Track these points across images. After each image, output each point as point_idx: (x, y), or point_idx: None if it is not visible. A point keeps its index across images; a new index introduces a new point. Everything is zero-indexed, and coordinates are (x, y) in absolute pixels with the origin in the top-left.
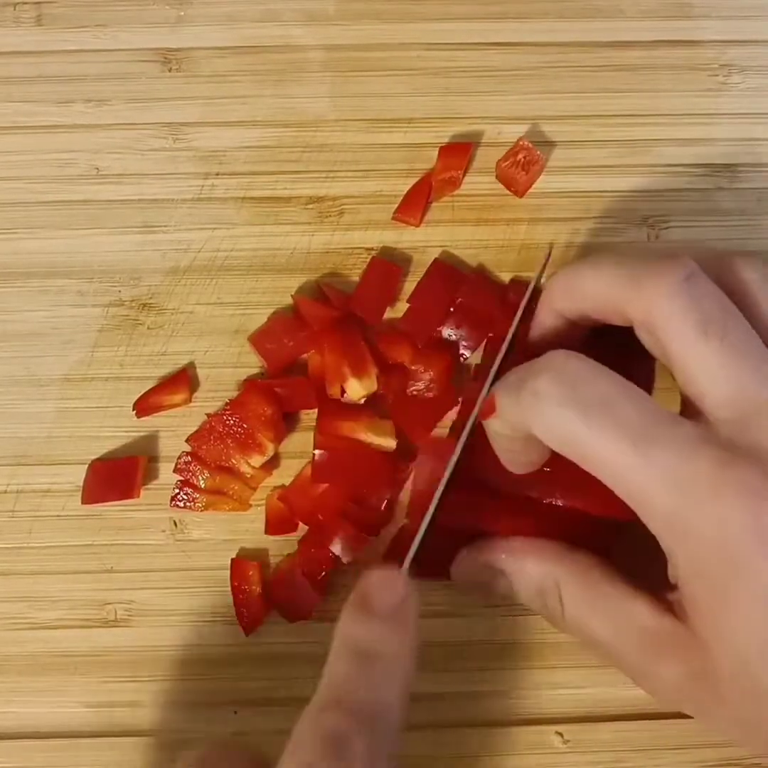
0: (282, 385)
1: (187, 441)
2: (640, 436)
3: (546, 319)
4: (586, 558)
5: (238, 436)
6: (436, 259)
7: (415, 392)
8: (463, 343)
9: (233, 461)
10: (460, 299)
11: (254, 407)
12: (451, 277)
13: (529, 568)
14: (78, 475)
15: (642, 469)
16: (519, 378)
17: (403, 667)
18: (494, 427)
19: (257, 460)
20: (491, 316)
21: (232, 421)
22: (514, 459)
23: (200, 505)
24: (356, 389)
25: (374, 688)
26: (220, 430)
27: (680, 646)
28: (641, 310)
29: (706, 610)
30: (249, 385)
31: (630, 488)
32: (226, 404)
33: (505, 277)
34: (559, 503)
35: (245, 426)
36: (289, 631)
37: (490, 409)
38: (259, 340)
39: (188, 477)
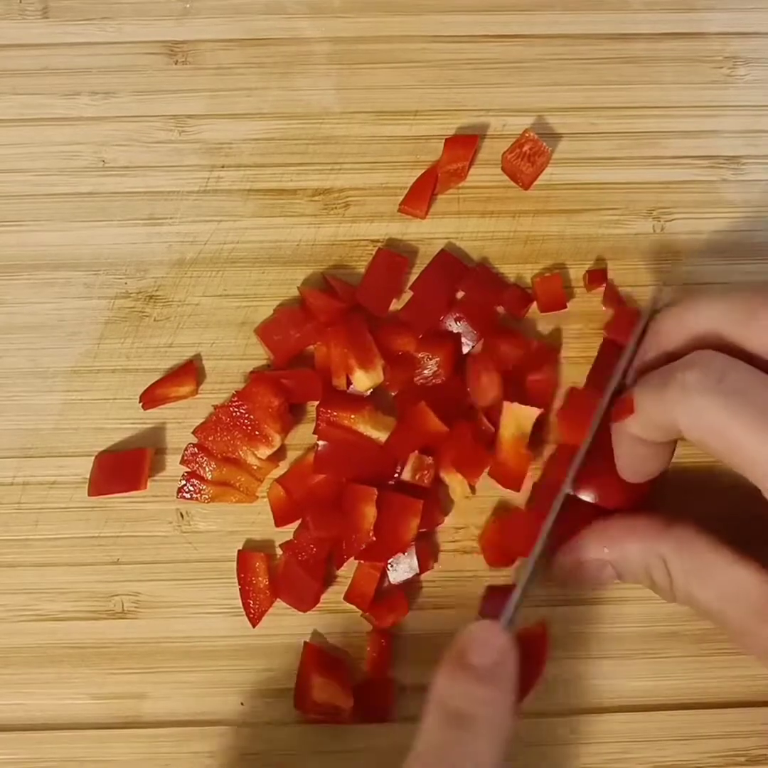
0: (289, 377)
1: (193, 433)
2: None
3: (654, 358)
4: (686, 530)
5: (245, 427)
6: (442, 250)
7: (421, 381)
8: (464, 335)
9: (240, 453)
10: (462, 292)
11: (261, 399)
12: (454, 269)
13: (632, 551)
14: (84, 467)
15: None
16: (662, 376)
17: (501, 728)
18: (630, 428)
19: (264, 451)
20: (492, 311)
21: (239, 413)
22: (635, 466)
23: (207, 496)
24: (363, 381)
25: (472, 754)
26: (227, 421)
27: None
28: (761, 341)
29: None
30: (256, 376)
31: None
32: (233, 396)
33: (511, 269)
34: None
35: (252, 417)
36: (295, 623)
37: (627, 409)
38: (265, 331)
39: (195, 468)
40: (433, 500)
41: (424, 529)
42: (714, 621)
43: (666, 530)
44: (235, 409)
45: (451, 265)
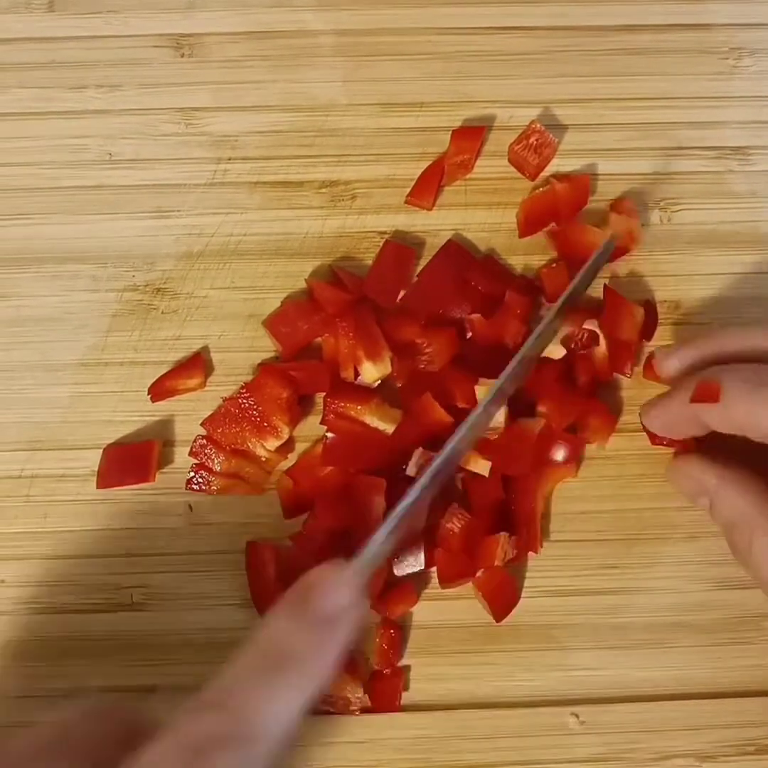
0: (297, 369)
1: (202, 424)
2: None
3: (740, 350)
4: None
5: (253, 419)
6: (449, 240)
7: (424, 366)
8: (468, 324)
9: (249, 444)
10: (469, 281)
11: (270, 390)
12: (461, 258)
13: (732, 499)
14: (93, 459)
15: None
16: (758, 374)
17: (317, 682)
18: (704, 414)
19: (272, 443)
20: (498, 300)
21: (247, 404)
22: (674, 431)
23: (215, 488)
24: (370, 372)
25: (274, 700)
26: (236, 413)
27: None
28: None
29: None
30: (264, 368)
31: None
32: (242, 387)
33: (518, 260)
34: None
35: (260, 409)
36: None
37: (712, 396)
38: (273, 323)
39: (203, 460)
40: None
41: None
42: None
43: (765, 504)
44: (244, 401)
45: (459, 254)
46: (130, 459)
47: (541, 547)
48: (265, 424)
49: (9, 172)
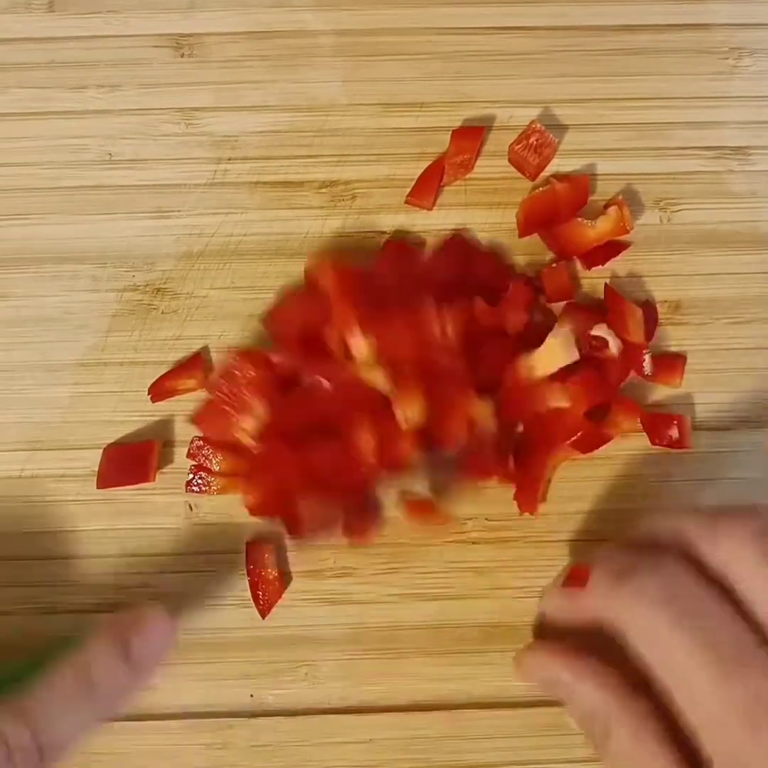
0: (277, 352)
1: (193, 422)
2: (729, 665)
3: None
4: (644, 707)
5: (232, 403)
6: (456, 231)
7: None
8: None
9: (238, 434)
10: (474, 271)
11: (243, 371)
12: (466, 249)
13: (588, 693)
14: (93, 460)
15: (721, 698)
16: (623, 568)
17: (113, 712)
18: (575, 602)
19: (251, 425)
20: (501, 292)
21: (225, 389)
22: (558, 616)
23: (215, 488)
24: (360, 345)
25: (71, 722)
26: (218, 401)
27: None
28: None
29: None
30: (236, 351)
31: (703, 710)
32: (218, 373)
33: (518, 260)
34: None
35: (238, 391)
36: (305, 614)
37: (580, 582)
38: (271, 318)
39: (202, 461)
40: None
41: None
42: None
43: (626, 696)
44: (221, 385)
45: (464, 245)
46: (130, 459)
47: (538, 510)
48: (244, 406)
49: (9, 172)
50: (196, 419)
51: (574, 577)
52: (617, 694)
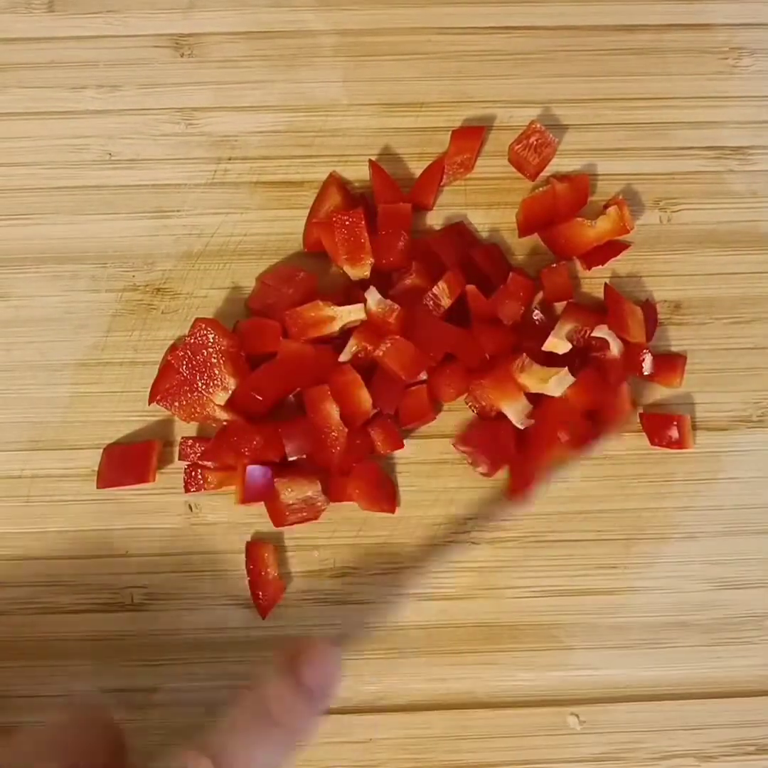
0: (246, 325)
1: (156, 402)
2: None
3: None
4: None
5: (200, 373)
6: (459, 221)
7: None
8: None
9: (208, 410)
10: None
11: (212, 342)
12: (467, 237)
13: None
14: (93, 459)
15: None
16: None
17: (296, 744)
18: None
19: (221, 396)
20: (497, 284)
21: (191, 361)
22: None
23: (212, 484)
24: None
25: (259, 758)
26: (183, 378)
27: None
28: None
29: None
30: (199, 320)
31: None
32: (184, 346)
33: (518, 260)
34: None
35: (204, 362)
36: (305, 614)
37: None
38: (255, 301)
39: (195, 459)
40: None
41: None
42: None
43: None
44: (186, 357)
45: (465, 234)
46: (130, 459)
47: (526, 502)
48: (211, 378)
49: (9, 172)
50: (160, 399)
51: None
52: None
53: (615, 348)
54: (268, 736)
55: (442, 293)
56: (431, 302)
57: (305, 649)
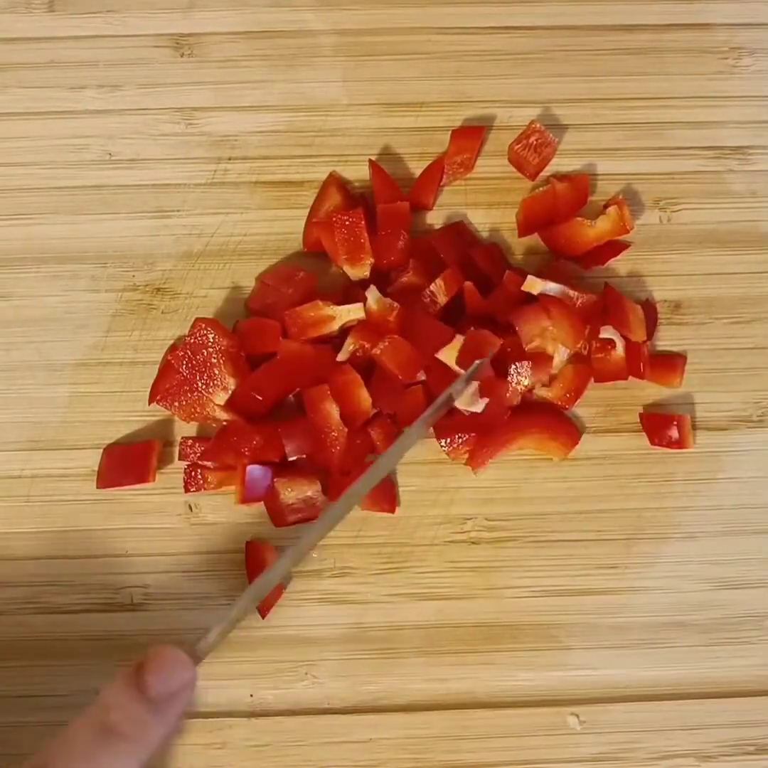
0: (246, 325)
1: (157, 401)
2: None
3: None
4: None
5: (200, 373)
6: (459, 221)
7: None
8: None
9: (208, 409)
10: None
11: (209, 341)
12: (467, 237)
13: None
14: (92, 459)
15: None
16: None
17: (142, 756)
18: None
19: (221, 397)
20: (494, 283)
21: (192, 361)
22: None
23: (212, 483)
24: (350, 274)
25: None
26: (185, 373)
27: None
28: None
29: None
30: (199, 320)
31: None
32: (181, 343)
33: (518, 259)
34: None
35: (203, 362)
36: (304, 614)
37: None
38: (255, 300)
39: (195, 459)
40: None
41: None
42: None
43: None
44: (186, 357)
45: (465, 233)
46: (130, 459)
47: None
48: (211, 377)
49: (9, 172)
50: (161, 399)
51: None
52: None
53: (620, 347)
54: (109, 747)
55: (438, 291)
56: (428, 300)
57: (150, 658)
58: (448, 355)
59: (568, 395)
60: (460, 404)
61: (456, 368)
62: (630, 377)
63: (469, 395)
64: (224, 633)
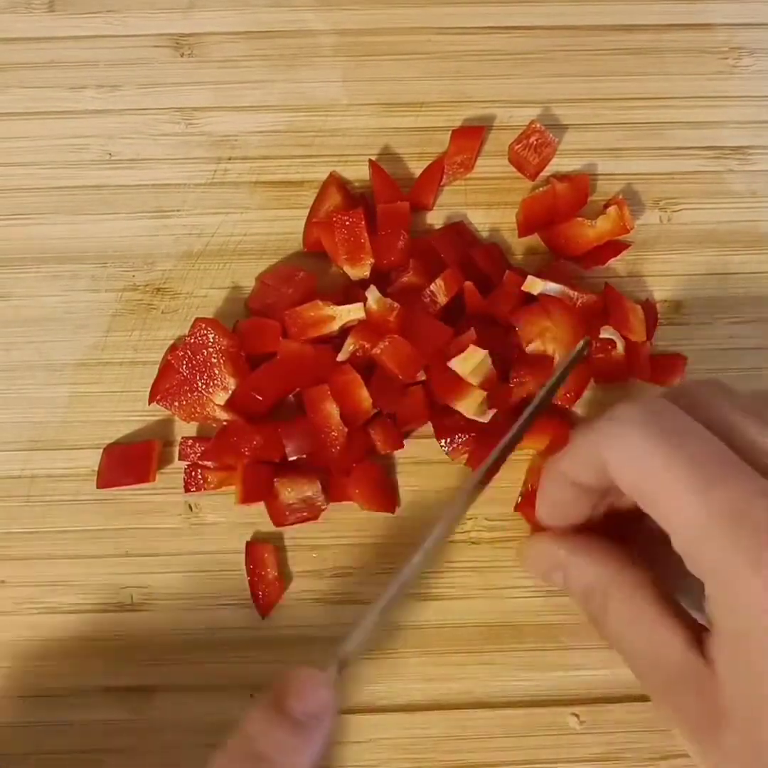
0: (246, 325)
1: (157, 401)
2: (711, 474)
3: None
4: (639, 575)
5: (200, 373)
6: (459, 221)
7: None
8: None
9: (208, 409)
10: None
11: (209, 341)
12: (466, 236)
13: (583, 567)
14: (93, 459)
15: (704, 506)
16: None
17: None
18: (560, 463)
19: (221, 397)
20: (495, 283)
21: (191, 361)
22: (554, 509)
23: (212, 483)
24: (350, 274)
25: None
26: (183, 378)
27: (698, 686)
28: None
29: (731, 667)
30: (199, 320)
31: (687, 524)
32: (181, 343)
33: (518, 260)
34: None
35: (203, 362)
36: (304, 614)
37: (562, 441)
38: (255, 300)
39: (195, 459)
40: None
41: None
42: (637, 675)
43: (622, 567)
44: (186, 357)
45: (465, 233)
46: (130, 459)
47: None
48: (211, 378)
49: (9, 172)
50: (161, 399)
51: (556, 440)
52: (611, 566)
53: (620, 347)
54: None
55: (438, 290)
56: (428, 300)
57: (287, 682)
58: (460, 365)
59: (568, 395)
60: (466, 412)
61: (468, 378)
62: (630, 378)
63: (477, 406)
64: (355, 651)
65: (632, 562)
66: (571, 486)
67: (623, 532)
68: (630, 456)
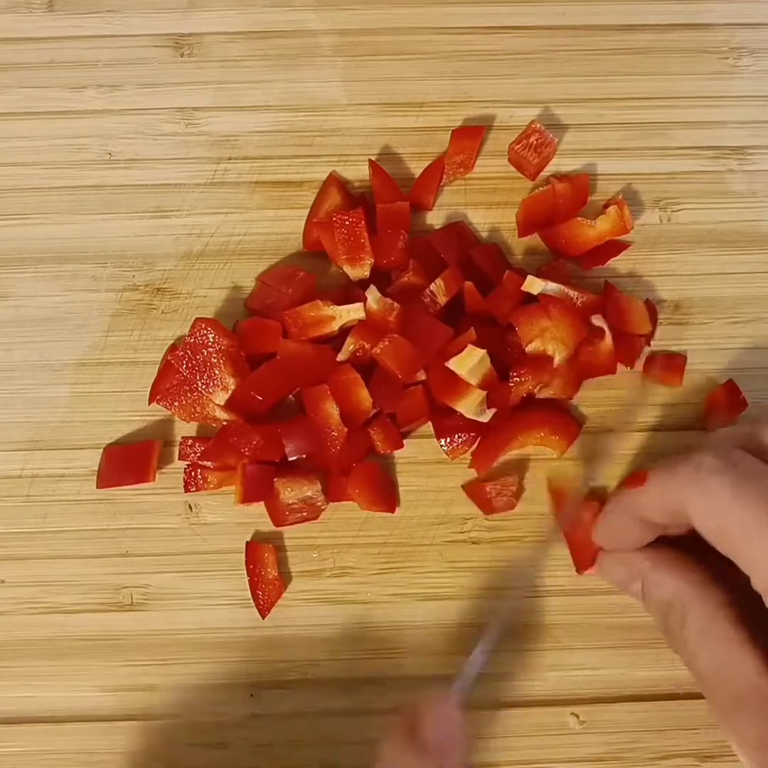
0: (246, 326)
1: (157, 401)
2: None
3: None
4: (720, 594)
5: (200, 373)
6: (459, 221)
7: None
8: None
9: (208, 410)
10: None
11: (209, 341)
12: (466, 237)
13: (664, 581)
14: (93, 459)
15: None
16: (678, 458)
17: None
18: (634, 501)
19: (221, 397)
20: (494, 283)
21: (191, 361)
22: (618, 539)
23: (212, 483)
24: (350, 274)
25: None
26: (183, 378)
27: (767, 711)
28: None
29: None
30: (199, 320)
31: (764, 565)
32: (181, 344)
33: (518, 260)
34: None
35: (203, 362)
36: (304, 614)
37: (639, 480)
38: (255, 300)
39: (195, 459)
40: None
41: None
42: (704, 692)
43: (705, 584)
44: (186, 357)
45: (465, 233)
46: (130, 459)
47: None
48: (211, 378)
49: (9, 172)
50: (161, 399)
51: (634, 478)
52: (692, 583)
53: (608, 337)
54: None
55: (438, 291)
56: (428, 300)
57: (419, 709)
58: (459, 364)
59: (567, 387)
60: (466, 412)
61: (466, 378)
62: (627, 374)
63: (476, 406)
64: (475, 673)
65: (713, 581)
66: (639, 520)
67: (701, 548)
68: (714, 506)
